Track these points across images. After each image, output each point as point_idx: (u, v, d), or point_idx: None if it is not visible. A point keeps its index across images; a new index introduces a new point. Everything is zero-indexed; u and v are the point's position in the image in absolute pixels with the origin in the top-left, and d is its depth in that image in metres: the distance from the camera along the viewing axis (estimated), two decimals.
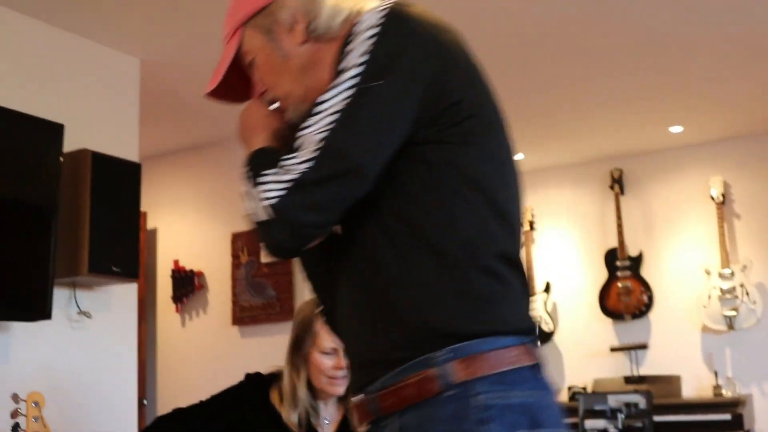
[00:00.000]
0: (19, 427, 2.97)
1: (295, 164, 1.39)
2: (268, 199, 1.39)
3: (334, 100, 1.40)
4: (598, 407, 6.07)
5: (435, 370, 1.37)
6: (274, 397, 2.60)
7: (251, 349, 5.51)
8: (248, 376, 2.70)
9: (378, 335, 1.45)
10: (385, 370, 1.42)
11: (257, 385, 2.67)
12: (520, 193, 1.56)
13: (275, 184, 1.39)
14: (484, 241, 1.42)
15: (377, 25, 1.42)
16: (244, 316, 5.56)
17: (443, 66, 1.45)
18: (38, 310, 3.41)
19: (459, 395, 1.37)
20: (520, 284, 1.49)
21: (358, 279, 1.49)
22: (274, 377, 2.67)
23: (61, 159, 3.53)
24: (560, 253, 7.09)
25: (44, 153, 3.49)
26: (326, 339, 2.57)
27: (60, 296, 3.73)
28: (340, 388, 2.58)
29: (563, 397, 6.77)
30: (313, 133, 1.39)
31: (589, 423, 6.02)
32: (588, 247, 6.98)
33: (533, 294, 6.90)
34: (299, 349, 2.62)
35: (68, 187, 3.58)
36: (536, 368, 1.48)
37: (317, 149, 1.38)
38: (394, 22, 1.44)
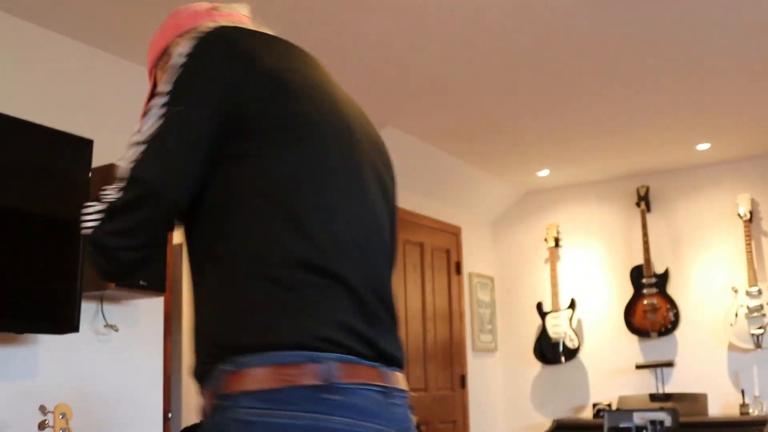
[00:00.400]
0: None
1: (109, 194, 1.47)
2: (85, 228, 1.47)
3: (145, 128, 1.47)
4: (623, 425, 6.03)
5: (213, 382, 1.40)
6: None
7: None
8: None
9: (196, 350, 1.49)
10: (200, 382, 1.46)
11: None
12: (363, 198, 1.54)
13: (93, 215, 1.47)
14: (271, 251, 1.40)
15: (187, 50, 1.50)
16: None
17: (240, 78, 1.47)
18: (66, 323, 3.45)
19: (224, 407, 1.37)
20: (338, 295, 1.42)
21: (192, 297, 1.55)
22: None
23: (90, 174, 3.57)
24: (586, 270, 7.08)
25: (73, 168, 3.53)
26: None
27: (87, 310, 3.77)
28: None
29: (588, 414, 6.75)
30: (125, 163, 1.47)
31: None
32: (614, 264, 6.96)
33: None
34: None
35: None
36: (330, 389, 1.35)
37: (125, 178, 1.46)
38: (201, 43, 1.50)
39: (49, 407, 3.06)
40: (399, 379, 1.49)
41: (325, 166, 1.49)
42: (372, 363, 1.41)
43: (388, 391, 1.43)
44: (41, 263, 3.41)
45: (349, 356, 1.37)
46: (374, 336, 1.43)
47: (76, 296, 3.47)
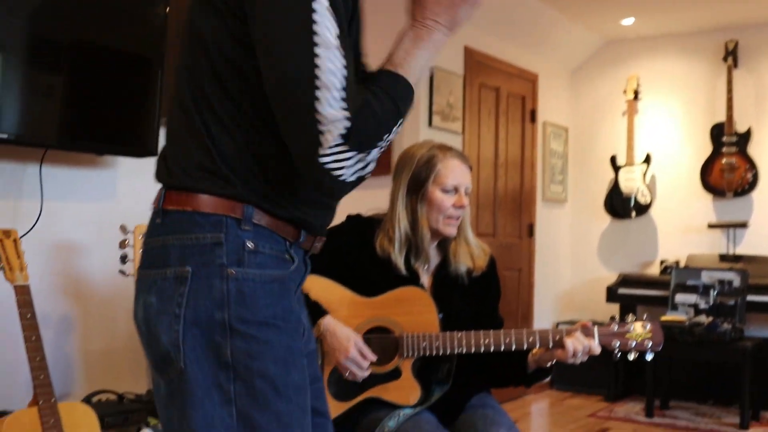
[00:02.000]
0: (127, 258, 3.07)
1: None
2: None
3: None
4: (690, 282, 6.02)
5: None
6: (378, 237, 2.59)
7: (347, 202, 5.53)
8: (349, 217, 2.69)
9: None
10: None
11: (359, 225, 2.66)
12: None
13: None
14: None
15: None
16: None
17: None
18: (145, 147, 3.47)
19: None
20: None
21: None
22: (375, 220, 2.66)
23: (167, 9, 3.52)
24: (664, 125, 6.89)
25: (151, 4, 3.49)
26: (449, 176, 2.53)
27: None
28: (454, 229, 2.57)
29: (654, 270, 6.72)
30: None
31: (680, 297, 5.98)
32: (693, 121, 6.76)
33: (632, 164, 6.76)
34: (417, 188, 2.56)
35: (175, 36, 3.60)
36: None
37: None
38: None
39: (129, 228, 3.12)
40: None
41: None
42: None
43: None
44: (122, 91, 3.41)
45: None
46: None
47: (155, 121, 3.49)
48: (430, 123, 5.41)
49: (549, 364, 2.43)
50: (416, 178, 2.55)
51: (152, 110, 3.48)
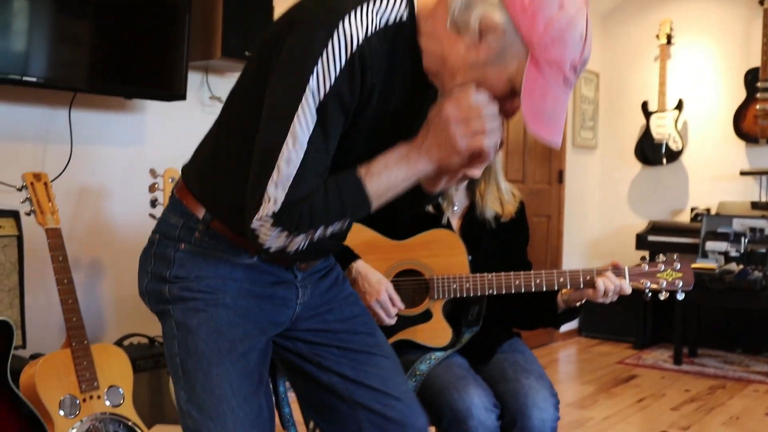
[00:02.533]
0: (157, 201, 3.08)
1: None
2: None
3: None
4: (721, 230, 5.96)
5: None
6: None
7: None
8: None
9: None
10: None
11: None
12: None
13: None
14: None
15: None
16: None
17: None
18: (173, 90, 3.46)
19: None
20: None
21: None
22: None
23: None
24: (697, 70, 6.77)
25: None
26: None
27: (193, 80, 3.77)
28: (478, 171, 2.54)
29: (685, 217, 6.66)
30: None
31: (711, 245, 5.94)
32: (727, 66, 6.63)
33: (663, 110, 6.67)
34: None
35: None
36: None
37: None
38: None
39: (159, 171, 3.12)
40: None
41: None
42: None
43: None
44: (150, 35, 3.39)
45: None
46: None
47: (183, 65, 3.47)
48: None
49: (578, 304, 2.42)
50: None
51: (180, 54, 3.46)
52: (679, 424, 4.36)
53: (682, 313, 5.86)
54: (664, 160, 6.72)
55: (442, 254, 2.49)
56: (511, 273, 2.40)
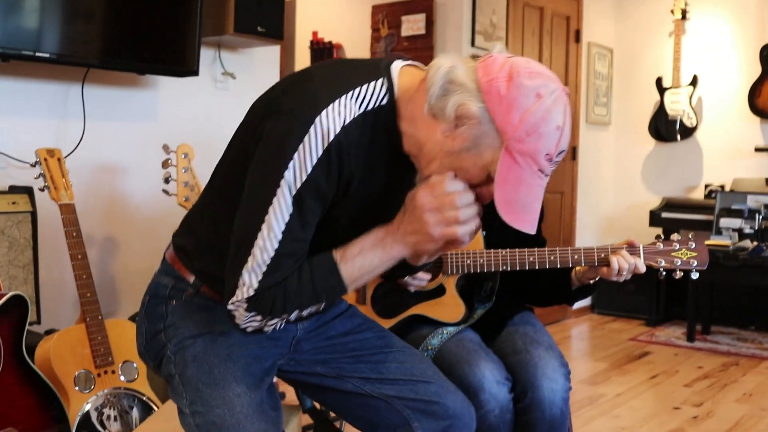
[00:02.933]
0: (170, 177, 3.08)
1: None
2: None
3: None
4: (735, 206, 5.93)
5: None
6: None
7: None
8: None
9: None
10: None
11: None
12: None
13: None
14: None
15: None
16: None
17: None
18: (185, 66, 3.45)
19: None
20: None
21: None
22: None
23: None
24: (712, 46, 6.70)
25: None
26: None
27: (206, 56, 3.76)
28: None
29: (699, 194, 6.63)
30: None
31: (725, 221, 5.91)
32: (743, 41, 6.56)
33: (678, 86, 6.62)
34: None
35: None
36: None
37: None
38: None
39: (172, 147, 3.11)
40: None
41: None
42: None
43: None
44: (163, 11, 3.38)
45: None
46: None
47: (196, 40, 3.46)
48: (473, 43, 5.31)
49: (593, 281, 2.41)
50: None
51: (192, 30, 3.45)
52: (692, 401, 4.36)
53: (695, 290, 5.84)
54: (678, 137, 6.68)
55: None
56: (525, 250, 2.39)
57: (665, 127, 6.72)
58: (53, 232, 3.13)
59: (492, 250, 2.41)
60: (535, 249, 2.39)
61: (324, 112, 1.54)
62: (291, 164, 1.53)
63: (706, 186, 6.53)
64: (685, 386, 4.67)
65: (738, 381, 4.79)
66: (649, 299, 6.46)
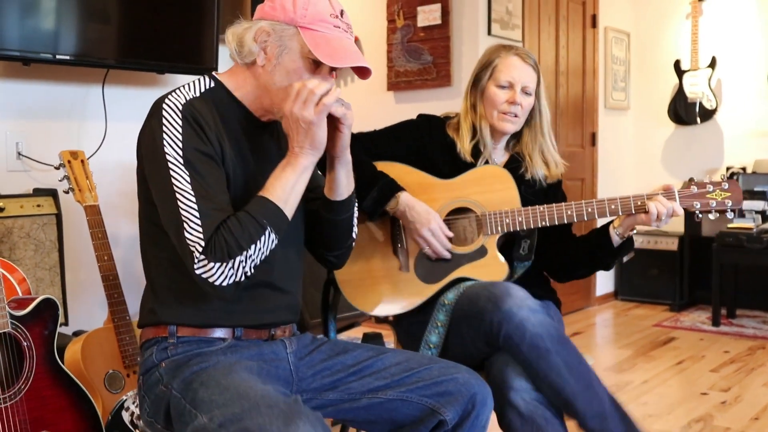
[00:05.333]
0: None
1: None
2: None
3: None
4: (758, 188, 5.91)
5: None
6: (449, 128, 2.67)
7: (407, 115, 5.44)
8: (420, 114, 2.75)
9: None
10: None
11: (431, 119, 2.72)
12: None
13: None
14: None
15: None
16: (399, 81, 5.51)
17: None
18: (205, 64, 3.45)
19: None
20: None
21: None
22: (447, 117, 2.73)
23: None
24: (730, 27, 6.65)
25: None
26: (503, 72, 2.57)
27: (224, 54, 3.76)
28: (510, 125, 2.59)
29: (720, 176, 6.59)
30: None
31: (747, 204, 5.87)
32: (762, 21, 6.51)
33: (696, 69, 6.57)
34: (477, 84, 2.63)
35: None
36: None
37: None
38: None
39: None
40: None
41: None
42: None
43: None
44: (181, 8, 3.39)
45: None
46: None
47: (214, 39, 3.46)
48: (489, 32, 5.28)
49: (631, 233, 2.44)
50: (478, 76, 2.64)
51: (210, 28, 3.46)
52: (719, 386, 4.34)
53: (719, 273, 5.81)
54: (698, 119, 6.63)
55: (492, 190, 2.51)
56: (563, 203, 2.43)
57: (685, 111, 6.67)
58: (78, 234, 3.14)
59: (529, 207, 2.45)
60: (572, 202, 2.42)
61: (167, 99, 1.84)
62: (164, 141, 1.78)
63: (728, 168, 6.48)
64: (712, 371, 4.65)
65: (765, 365, 4.77)
66: (672, 284, 6.43)
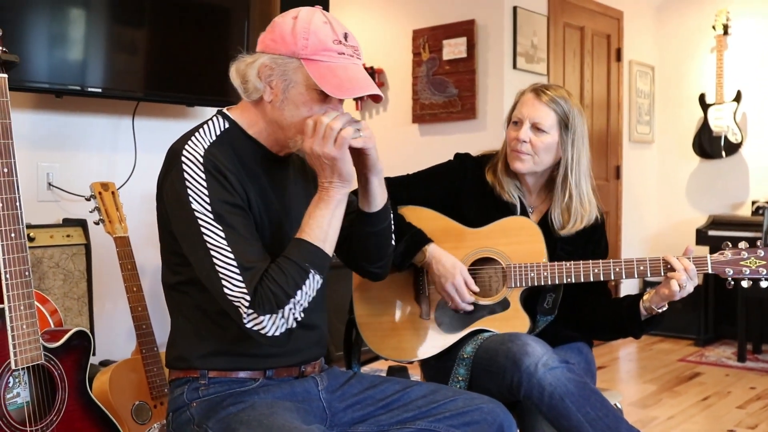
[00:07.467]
0: None
1: None
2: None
3: None
4: None
5: None
6: (488, 172, 2.61)
7: (431, 147, 5.52)
8: (457, 154, 2.70)
9: None
10: None
11: (467, 160, 2.68)
12: None
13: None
14: None
15: None
16: (424, 113, 5.54)
17: None
18: (233, 97, 3.46)
19: None
20: None
21: None
22: (485, 156, 2.68)
23: None
24: (755, 60, 6.64)
25: None
26: (517, 109, 2.55)
27: None
28: (519, 163, 2.51)
29: (746, 211, 6.55)
30: None
31: None
32: None
33: (721, 102, 6.55)
34: (507, 123, 2.62)
35: None
36: None
37: None
38: None
39: None
40: None
41: None
42: None
43: None
44: (210, 42, 3.42)
45: None
46: None
47: None
48: (514, 65, 5.31)
49: (661, 310, 2.36)
50: (507, 116, 2.63)
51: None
52: (746, 423, 4.29)
53: (745, 308, 5.76)
54: (724, 153, 6.61)
55: (519, 242, 2.47)
56: (590, 261, 2.37)
57: (710, 144, 6.65)
58: (107, 264, 3.16)
59: (555, 263, 2.41)
60: (600, 260, 2.37)
61: (184, 150, 1.82)
62: (190, 197, 1.77)
63: (753, 202, 6.45)
64: (739, 408, 4.59)
65: None
66: (697, 318, 6.37)
